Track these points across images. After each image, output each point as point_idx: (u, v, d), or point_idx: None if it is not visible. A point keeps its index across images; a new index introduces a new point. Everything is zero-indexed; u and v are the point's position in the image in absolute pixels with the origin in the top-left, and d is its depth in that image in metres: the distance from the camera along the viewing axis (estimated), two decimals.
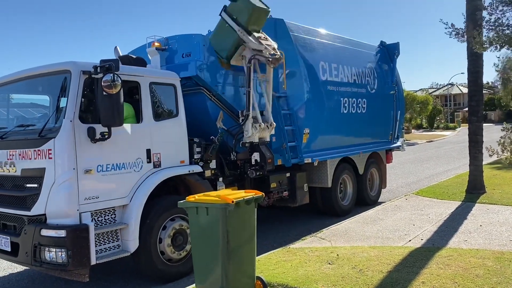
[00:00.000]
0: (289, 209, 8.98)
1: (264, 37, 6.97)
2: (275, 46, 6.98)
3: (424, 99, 44.69)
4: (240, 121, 6.92)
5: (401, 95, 11.23)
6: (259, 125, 6.87)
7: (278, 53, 6.86)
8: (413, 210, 8.72)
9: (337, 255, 5.84)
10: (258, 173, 6.97)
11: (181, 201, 4.50)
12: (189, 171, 6.05)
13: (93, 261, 4.82)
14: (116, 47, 6.98)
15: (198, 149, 6.27)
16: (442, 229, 7.20)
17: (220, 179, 6.73)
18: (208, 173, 6.44)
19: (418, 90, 61.56)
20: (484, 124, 10.48)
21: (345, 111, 9.00)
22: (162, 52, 6.84)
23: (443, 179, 12.84)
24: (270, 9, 6.91)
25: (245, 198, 4.35)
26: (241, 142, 6.96)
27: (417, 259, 5.47)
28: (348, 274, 5.06)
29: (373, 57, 10.35)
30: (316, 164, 8.18)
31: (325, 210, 9.03)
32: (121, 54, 6.87)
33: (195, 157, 6.23)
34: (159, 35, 6.86)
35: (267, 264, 5.64)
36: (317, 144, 8.36)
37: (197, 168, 6.19)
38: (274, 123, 7.18)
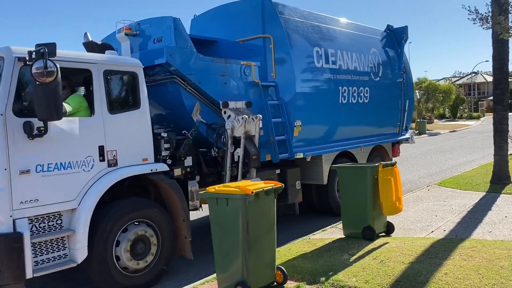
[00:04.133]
0: None
1: None
2: None
3: (447, 88, 43.76)
4: (223, 113, 6.31)
5: (410, 83, 10.35)
6: (242, 118, 6.16)
7: None
8: (435, 201, 8.60)
9: (358, 245, 5.81)
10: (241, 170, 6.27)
11: (202, 192, 4.54)
12: (151, 170, 5.33)
13: (29, 274, 4.21)
14: (86, 33, 6.19)
15: (166, 145, 5.59)
16: (465, 220, 7.08)
17: (197, 177, 6.05)
18: (177, 171, 5.68)
19: (441, 79, 60.37)
20: (510, 113, 10.23)
21: (344, 101, 8.26)
22: (134, 37, 6.31)
23: (467, 170, 12.60)
24: None
25: (264, 189, 4.37)
26: (222, 137, 6.26)
27: (440, 250, 5.39)
28: (369, 265, 5.03)
29: (378, 42, 9.53)
30: (309, 160, 7.46)
31: (321, 208, 8.47)
32: (90, 40, 6.15)
33: (162, 154, 5.56)
34: (130, 20, 6.19)
35: (288, 254, 5.65)
36: (310, 137, 7.69)
37: (162, 167, 5.47)
38: (260, 115, 6.51)
